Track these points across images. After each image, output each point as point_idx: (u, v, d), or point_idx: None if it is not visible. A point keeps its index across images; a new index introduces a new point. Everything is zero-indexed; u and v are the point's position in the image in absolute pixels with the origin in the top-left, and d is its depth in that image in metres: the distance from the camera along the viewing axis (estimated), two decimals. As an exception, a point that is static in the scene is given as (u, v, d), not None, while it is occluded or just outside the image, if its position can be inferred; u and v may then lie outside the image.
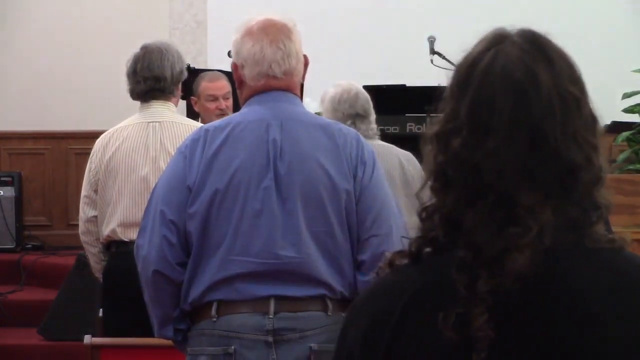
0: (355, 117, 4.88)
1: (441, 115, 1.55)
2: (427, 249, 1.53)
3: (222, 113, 5.87)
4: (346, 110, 4.88)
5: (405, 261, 1.56)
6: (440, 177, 1.52)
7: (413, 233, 1.58)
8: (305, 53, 3.27)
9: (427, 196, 1.55)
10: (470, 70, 1.53)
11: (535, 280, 1.45)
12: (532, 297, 1.45)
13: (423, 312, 1.49)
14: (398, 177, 4.81)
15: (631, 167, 7.67)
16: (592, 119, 1.52)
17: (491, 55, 1.52)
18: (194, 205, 3.11)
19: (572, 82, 1.52)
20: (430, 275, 1.52)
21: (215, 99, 5.96)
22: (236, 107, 3.41)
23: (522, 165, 1.47)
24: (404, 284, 1.53)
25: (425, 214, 1.54)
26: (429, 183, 1.54)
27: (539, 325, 1.45)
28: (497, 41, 1.54)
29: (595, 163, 1.50)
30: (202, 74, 6.30)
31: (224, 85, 6.01)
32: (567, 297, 1.45)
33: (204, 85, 6.05)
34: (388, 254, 1.59)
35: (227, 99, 5.97)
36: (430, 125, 1.57)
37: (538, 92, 1.49)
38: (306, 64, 3.28)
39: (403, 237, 1.62)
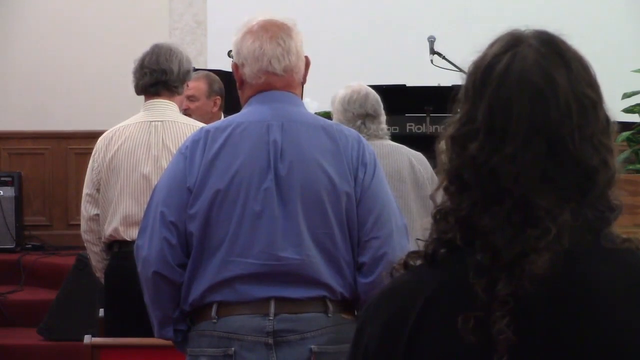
0: (366, 117, 4.90)
1: (456, 117, 1.54)
2: (442, 251, 1.53)
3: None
4: (356, 110, 4.90)
5: (419, 262, 1.55)
6: (456, 180, 1.52)
7: (425, 234, 1.57)
8: (306, 54, 3.27)
9: (440, 197, 1.55)
10: (487, 73, 1.52)
11: (555, 282, 1.45)
12: (552, 299, 1.45)
13: (441, 314, 1.49)
14: (408, 177, 4.81)
15: (631, 167, 7.67)
16: (607, 121, 1.52)
17: (508, 58, 1.51)
18: (194, 207, 3.11)
19: (588, 86, 1.51)
20: (447, 276, 1.51)
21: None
22: (237, 107, 3.40)
23: (540, 169, 1.47)
24: (421, 284, 1.53)
25: (440, 216, 1.53)
26: (444, 185, 1.54)
27: (560, 327, 1.44)
28: (514, 43, 1.53)
29: (610, 165, 1.50)
30: None
31: (192, 86, 5.78)
32: (587, 299, 1.45)
33: None
34: (402, 255, 1.59)
35: (193, 101, 5.85)
36: (445, 126, 1.56)
37: (556, 96, 1.48)
38: (307, 65, 3.27)
39: (418, 239, 1.61)
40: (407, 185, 4.77)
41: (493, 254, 1.46)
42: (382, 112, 4.96)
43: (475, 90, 1.52)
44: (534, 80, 1.49)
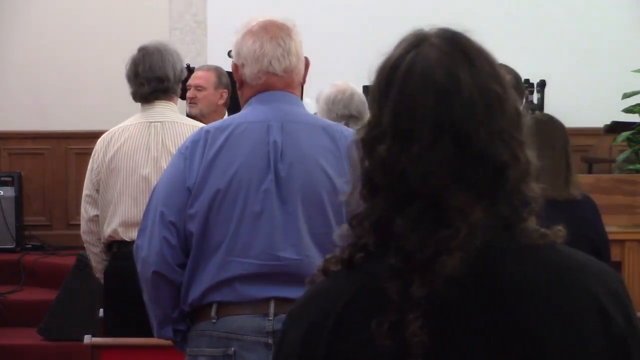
0: (349, 119, 4.86)
1: (366, 120, 1.53)
2: (360, 255, 1.51)
3: (191, 102, 5.97)
4: (340, 110, 4.87)
5: (338, 267, 1.54)
6: (368, 183, 1.50)
7: (342, 239, 1.56)
8: (306, 55, 3.26)
9: (355, 202, 1.53)
10: (391, 74, 1.50)
11: (469, 282, 1.43)
12: (466, 300, 1.43)
13: (358, 319, 1.48)
14: None
15: (631, 167, 7.67)
16: (517, 114, 1.50)
17: (411, 57, 1.49)
18: (194, 207, 3.11)
19: (493, 80, 1.49)
20: (363, 281, 1.50)
21: (190, 88, 6.04)
22: (237, 108, 3.40)
23: (449, 167, 1.45)
24: (339, 290, 1.52)
25: (356, 221, 1.52)
26: (358, 189, 1.52)
27: (475, 327, 1.43)
28: (416, 43, 1.50)
29: (522, 159, 1.48)
30: None
31: (200, 75, 6.07)
32: (503, 297, 1.43)
33: None
34: (320, 262, 1.58)
35: (200, 90, 5.99)
36: (357, 131, 1.55)
37: (459, 93, 1.46)
38: (307, 66, 3.27)
39: (335, 245, 1.60)
40: None
41: (406, 257, 1.44)
42: (367, 113, 4.93)
43: (380, 92, 1.51)
44: (436, 79, 1.47)
